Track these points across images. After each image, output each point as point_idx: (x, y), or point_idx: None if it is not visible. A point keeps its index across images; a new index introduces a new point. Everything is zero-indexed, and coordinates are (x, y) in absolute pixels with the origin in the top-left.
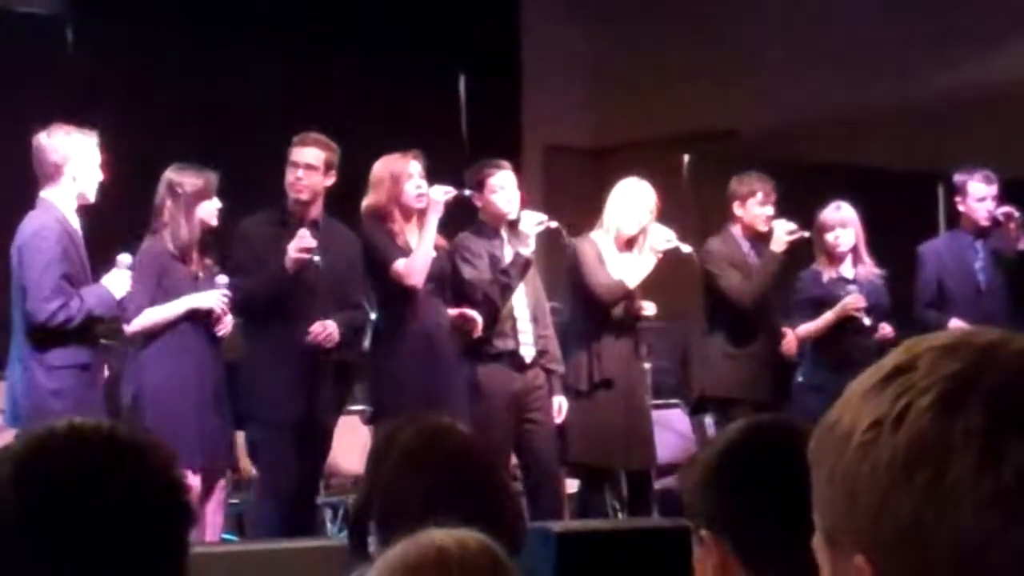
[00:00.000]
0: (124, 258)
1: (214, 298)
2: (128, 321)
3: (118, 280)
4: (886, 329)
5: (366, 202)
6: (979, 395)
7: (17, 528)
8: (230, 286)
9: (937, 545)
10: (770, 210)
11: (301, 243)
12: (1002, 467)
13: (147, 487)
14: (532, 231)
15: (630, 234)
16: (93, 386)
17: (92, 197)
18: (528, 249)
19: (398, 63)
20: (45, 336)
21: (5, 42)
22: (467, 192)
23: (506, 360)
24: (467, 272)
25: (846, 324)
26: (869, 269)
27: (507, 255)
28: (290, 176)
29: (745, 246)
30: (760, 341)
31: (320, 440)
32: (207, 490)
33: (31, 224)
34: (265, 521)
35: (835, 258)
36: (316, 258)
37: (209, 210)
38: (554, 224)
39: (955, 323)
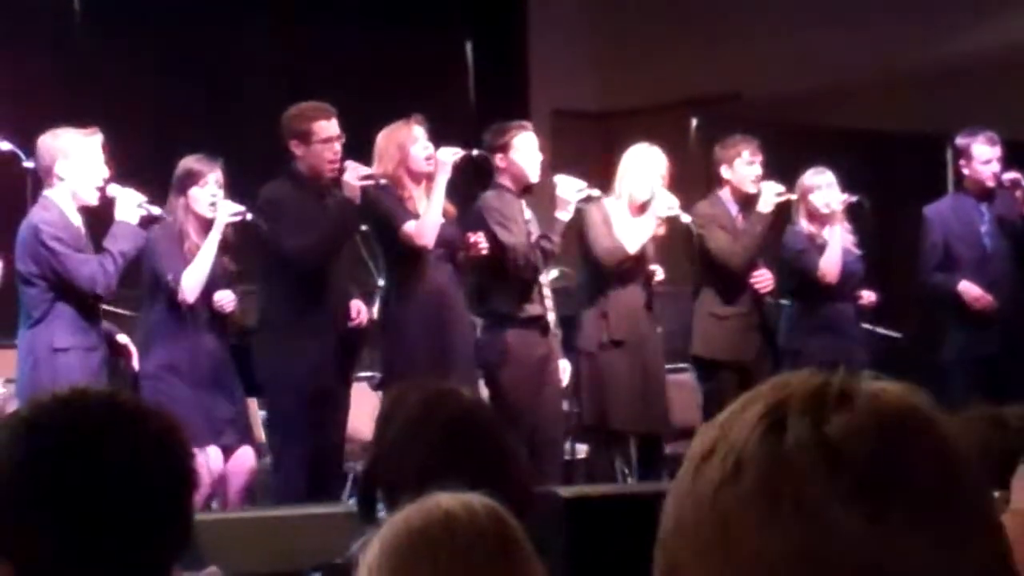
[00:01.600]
0: (113, 188)
1: (227, 211)
2: (178, 288)
3: (124, 207)
4: (870, 296)
5: (372, 172)
6: (794, 421)
7: (18, 490)
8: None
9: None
10: (758, 169)
11: (360, 171)
12: (841, 474)
13: (148, 451)
14: (573, 198)
15: (642, 199)
16: (98, 367)
17: (89, 198)
18: (567, 215)
19: (405, 30)
20: (42, 318)
21: (12, 21)
22: (475, 152)
23: (534, 325)
24: (505, 237)
25: (824, 290)
26: (847, 237)
27: (527, 218)
28: (328, 154)
29: (733, 209)
30: (745, 303)
31: (343, 406)
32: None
33: (29, 222)
34: (291, 490)
35: (820, 220)
36: (384, 181)
37: (199, 197)
38: (596, 192)
39: (964, 285)
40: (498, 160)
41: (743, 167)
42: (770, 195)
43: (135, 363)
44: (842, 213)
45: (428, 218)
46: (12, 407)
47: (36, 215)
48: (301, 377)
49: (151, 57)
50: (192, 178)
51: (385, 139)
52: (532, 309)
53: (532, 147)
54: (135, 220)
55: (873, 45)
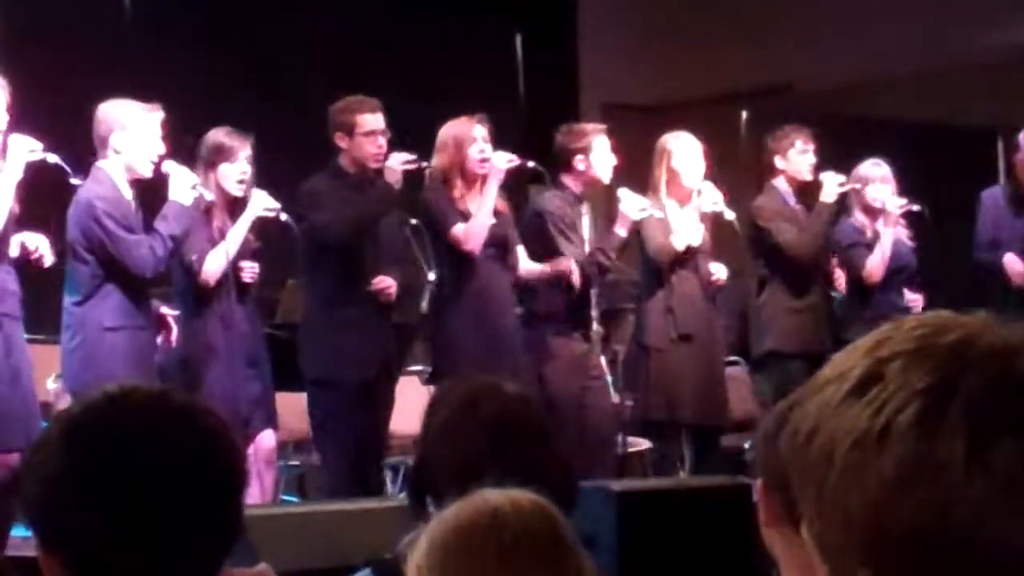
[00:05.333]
0: (168, 165)
1: (262, 203)
2: (200, 272)
3: (179, 187)
4: (915, 299)
5: (433, 164)
6: (958, 407)
7: (68, 488)
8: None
9: (938, 555)
10: (812, 158)
11: (403, 157)
12: (990, 473)
13: (197, 449)
14: (635, 216)
15: (690, 187)
16: (147, 346)
17: (144, 171)
18: (624, 232)
19: (454, 23)
20: (92, 295)
21: (63, 11)
22: (531, 163)
23: (576, 326)
24: (566, 248)
25: (883, 282)
26: (900, 230)
27: (585, 225)
28: (371, 147)
29: (792, 199)
30: (816, 295)
31: (387, 400)
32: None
33: (83, 196)
34: (339, 485)
35: (873, 213)
36: (424, 164)
37: (229, 174)
38: (659, 213)
39: (1009, 258)
40: (577, 162)
41: (797, 156)
42: (832, 185)
43: (174, 337)
44: (899, 216)
45: (476, 223)
46: (64, 403)
47: (89, 188)
48: (346, 372)
49: (201, 58)
50: (223, 154)
51: (445, 132)
52: (576, 313)
53: (608, 151)
54: (188, 201)
55: (925, 36)
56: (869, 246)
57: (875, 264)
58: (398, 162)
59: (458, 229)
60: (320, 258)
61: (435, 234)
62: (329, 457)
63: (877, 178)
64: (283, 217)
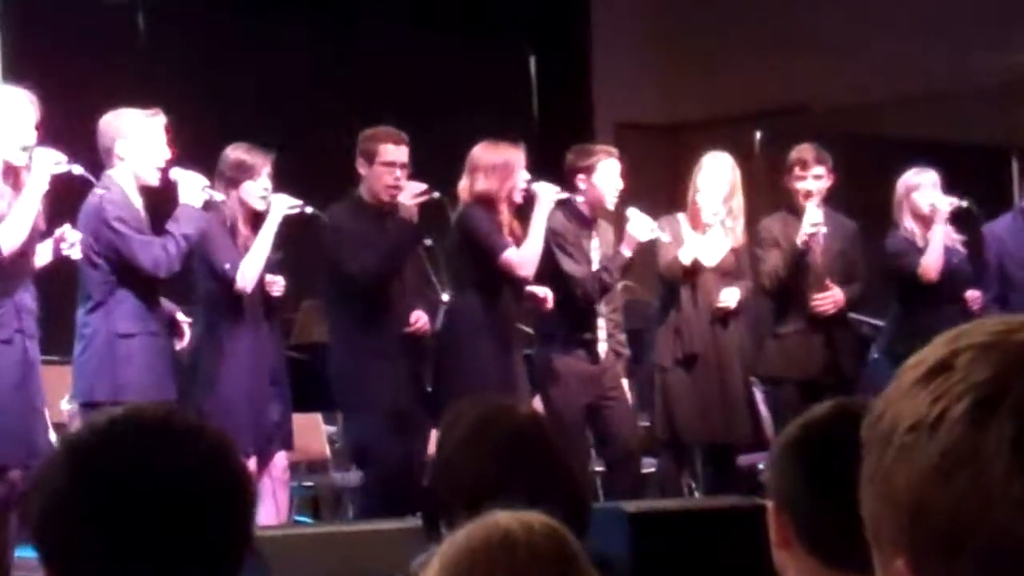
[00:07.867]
0: (176, 171)
1: (284, 204)
2: (235, 281)
3: (188, 190)
4: (975, 296)
5: (478, 187)
6: (1009, 404)
7: (69, 510)
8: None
9: (975, 548)
10: (809, 184)
11: (415, 190)
12: None
13: (202, 469)
14: (643, 237)
15: (713, 210)
16: (161, 352)
17: (150, 179)
18: (630, 252)
19: (468, 42)
20: (104, 301)
21: (77, 30)
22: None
23: (582, 348)
24: (568, 265)
25: (928, 293)
26: (953, 237)
27: (594, 246)
28: (387, 178)
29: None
30: (802, 321)
31: (424, 425)
32: (260, 471)
33: (93, 200)
34: (373, 510)
35: (923, 221)
36: (436, 194)
37: (251, 191)
38: (667, 238)
39: None
40: (579, 181)
41: (792, 181)
42: (806, 225)
43: (185, 341)
44: (948, 217)
45: (530, 250)
46: (79, 423)
47: (100, 194)
48: (379, 397)
49: (215, 78)
50: (246, 172)
51: (493, 155)
52: (582, 335)
53: (615, 174)
54: (199, 204)
55: (939, 55)
56: (922, 252)
57: (929, 262)
58: (409, 196)
59: (511, 254)
60: (341, 287)
61: (473, 257)
62: (367, 481)
63: (926, 184)
64: (308, 210)
